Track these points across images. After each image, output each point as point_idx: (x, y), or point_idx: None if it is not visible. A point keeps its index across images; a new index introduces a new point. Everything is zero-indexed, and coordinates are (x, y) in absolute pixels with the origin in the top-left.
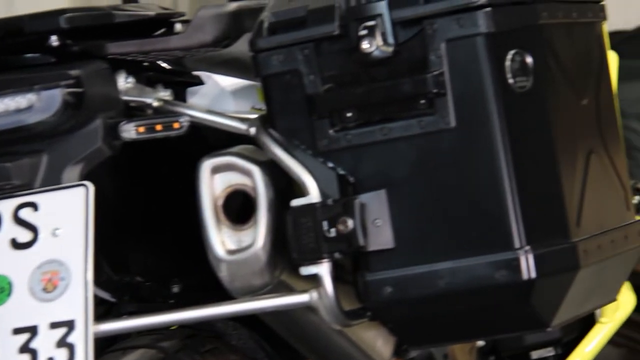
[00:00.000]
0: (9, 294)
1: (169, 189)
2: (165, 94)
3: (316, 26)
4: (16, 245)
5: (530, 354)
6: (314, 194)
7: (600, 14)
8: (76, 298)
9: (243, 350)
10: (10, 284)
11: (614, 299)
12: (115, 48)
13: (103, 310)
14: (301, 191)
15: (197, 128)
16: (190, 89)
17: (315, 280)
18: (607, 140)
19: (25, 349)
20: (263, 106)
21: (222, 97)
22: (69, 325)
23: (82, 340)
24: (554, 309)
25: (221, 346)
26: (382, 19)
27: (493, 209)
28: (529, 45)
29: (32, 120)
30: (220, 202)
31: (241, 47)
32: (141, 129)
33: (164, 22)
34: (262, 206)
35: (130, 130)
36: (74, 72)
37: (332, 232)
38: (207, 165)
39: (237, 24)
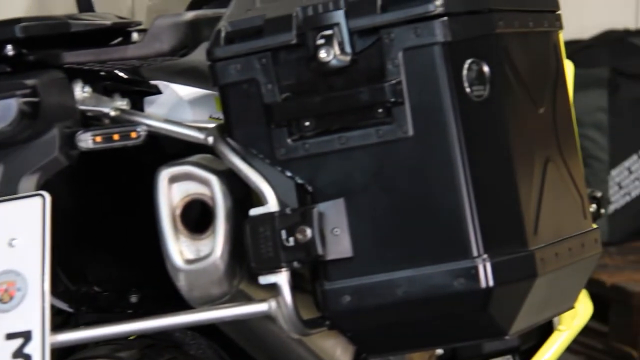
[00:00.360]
0: None
1: (127, 198)
2: (123, 104)
3: (273, 35)
4: None
5: None
6: (272, 203)
7: (556, 23)
8: (33, 308)
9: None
10: None
11: (571, 307)
12: (71, 57)
13: (61, 321)
14: (259, 200)
15: (155, 137)
16: (148, 99)
17: (274, 289)
18: (564, 148)
19: None
20: (221, 115)
21: (179, 106)
22: (26, 336)
23: (39, 351)
24: (512, 317)
25: (180, 356)
26: (339, 28)
27: (451, 217)
28: (485, 54)
29: None
30: (178, 211)
31: (199, 56)
32: (98, 139)
33: (120, 31)
34: (220, 215)
35: (87, 140)
36: (29, 82)
37: (291, 241)
38: (164, 174)
39: (194, 33)
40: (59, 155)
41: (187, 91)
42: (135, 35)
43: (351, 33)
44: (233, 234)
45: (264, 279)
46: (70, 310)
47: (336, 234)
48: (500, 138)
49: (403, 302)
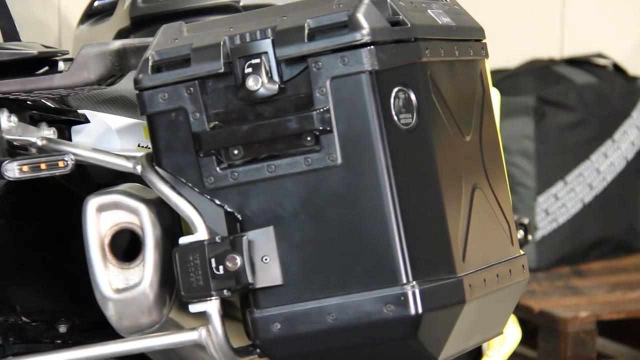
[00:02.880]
0: None
1: (56, 228)
2: (50, 133)
3: (201, 64)
4: None
5: None
6: (201, 232)
7: (482, 52)
8: None
9: None
10: None
11: (500, 333)
12: None
13: None
14: (189, 229)
15: (83, 167)
16: (75, 128)
17: (204, 317)
18: (491, 175)
19: None
20: (149, 144)
21: (107, 135)
22: None
23: None
24: (441, 343)
25: None
26: (267, 57)
27: (379, 244)
28: (412, 83)
29: None
30: (107, 240)
31: (126, 85)
32: (25, 168)
33: (47, 60)
34: (149, 244)
35: (13, 170)
36: None
37: (220, 270)
38: (92, 203)
39: (121, 61)
40: None
41: (115, 120)
42: (61, 64)
43: (279, 62)
44: (162, 262)
45: (193, 308)
46: None
47: (266, 262)
48: (427, 166)
49: (333, 329)
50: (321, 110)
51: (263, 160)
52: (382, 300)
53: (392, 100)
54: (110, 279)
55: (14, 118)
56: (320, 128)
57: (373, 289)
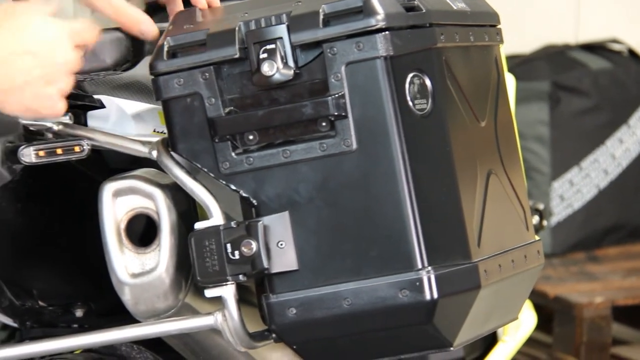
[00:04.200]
0: None
1: (72, 212)
2: (65, 118)
3: (216, 49)
4: None
5: None
6: (217, 217)
7: (497, 37)
8: None
9: None
10: None
11: (515, 318)
12: None
13: (6, 336)
14: (204, 214)
15: (99, 152)
16: (91, 113)
17: (219, 302)
18: (506, 161)
19: None
20: (165, 129)
21: (123, 120)
22: None
23: None
24: (456, 329)
25: None
26: (282, 42)
27: (394, 230)
28: (427, 68)
29: None
30: (123, 225)
31: (142, 70)
32: (41, 153)
33: None
34: (165, 229)
35: (30, 155)
36: None
37: (236, 255)
38: (108, 188)
39: (137, 47)
40: (2, 169)
41: (130, 105)
42: None
43: (294, 47)
44: (178, 247)
45: (209, 293)
46: (15, 325)
47: (281, 247)
48: (442, 151)
49: (348, 314)
50: (336, 95)
51: (278, 146)
52: (397, 285)
53: (407, 85)
54: (126, 264)
55: None
56: (335, 113)
57: (388, 274)
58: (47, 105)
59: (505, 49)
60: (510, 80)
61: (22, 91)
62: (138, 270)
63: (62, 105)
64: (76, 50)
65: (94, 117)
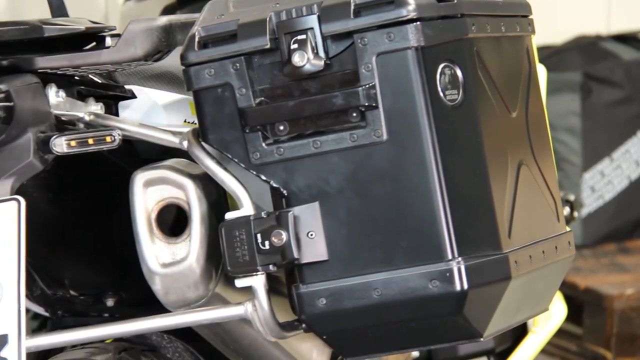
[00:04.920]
0: None
1: (103, 202)
2: (97, 108)
3: (247, 40)
4: None
5: None
6: (247, 207)
7: (529, 27)
8: (9, 312)
9: None
10: None
11: (546, 309)
12: (45, 62)
13: (37, 325)
14: (235, 204)
15: (130, 142)
16: (122, 103)
17: (250, 292)
18: (537, 152)
19: None
20: (195, 119)
21: (154, 110)
22: (2, 339)
23: (15, 355)
24: (487, 320)
25: (156, 359)
26: (312, 33)
27: (425, 220)
28: (458, 59)
29: None
30: (154, 215)
31: (172, 60)
32: (73, 143)
33: (94, 35)
34: (196, 219)
35: (61, 145)
36: (3, 87)
37: (266, 245)
38: (139, 178)
39: (168, 37)
40: (34, 159)
41: (161, 96)
42: (109, 40)
43: (324, 38)
44: (208, 237)
45: (239, 283)
46: (47, 314)
47: (311, 238)
48: (473, 142)
49: (378, 305)
50: (367, 86)
51: (309, 136)
52: (427, 276)
53: (438, 76)
54: (157, 254)
55: (62, 93)
56: (366, 104)
57: (418, 264)
58: None
59: (537, 40)
60: (541, 71)
61: None
62: (169, 260)
63: None
64: None
65: (125, 108)
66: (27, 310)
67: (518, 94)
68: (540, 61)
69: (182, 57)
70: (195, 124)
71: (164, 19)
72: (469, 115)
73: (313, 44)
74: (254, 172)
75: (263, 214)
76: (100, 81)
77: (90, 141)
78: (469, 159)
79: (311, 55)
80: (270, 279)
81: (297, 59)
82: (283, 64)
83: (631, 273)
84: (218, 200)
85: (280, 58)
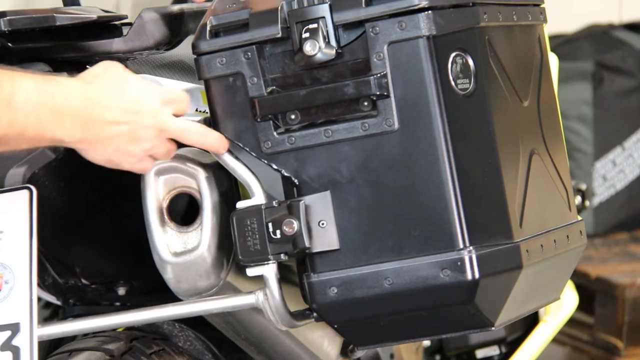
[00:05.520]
0: None
1: (115, 191)
2: None
3: (259, 29)
4: None
5: (476, 353)
6: (258, 196)
7: (541, 16)
8: (21, 301)
9: (190, 352)
10: None
11: (557, 298)
12: (57, 51)
13: (49, 313)
14: (246, 193)
15: None
16: None
17: (261, 281)
18: (548, 141)
19: None
20: (207, 108)
21: None
22: (14, 328)
23: (27, 343)
24: (498, 309)
25: (168, 348)
26: (324, 22)
27: (436, 209)
28: (470, 48)
29: None
30: (165, 204)
31: (184, 49)
32: None
33: (106, 24)
34: (207, 208)
35: None
36: None
37: (277, 234)
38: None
39: (179, 26)
40: (46, 149)
41: (173, 84)
42: (120, 29)
43: (336, 26)
44: (220, 226)
45: (251, 271)
46: (58, 302)
47: (323, 227)
48: (485, 131)
49: (390, 294)
50: (378, 75)
51: (320, 125)
52: (438, 265)
53: (449, 65)
54: (168, 243)
55: None
56: (378, 93)
57: (430, 253)
58: (129, 161)
59: (549, 29)
60: (553, 60)
61: (106, 143)
62: (180, 249)
63: (147, 164)
64: (168, 116)
65: None
66: (39, 299)
67: (530, 82)
68: (552, 50)
69: (194, 46)
70: (207, 113)
71: (176, 8)
72: (480, 104)
73: (324, 33)
74: (265, 161)
75: (274, 203)
76: None
77: None
78: (480, 148)
79: (323, 44)
80: (282, 268)
81: (308, 48)
82: (294, 53)
83: None
84: (229, 189)
85: (291, 47)
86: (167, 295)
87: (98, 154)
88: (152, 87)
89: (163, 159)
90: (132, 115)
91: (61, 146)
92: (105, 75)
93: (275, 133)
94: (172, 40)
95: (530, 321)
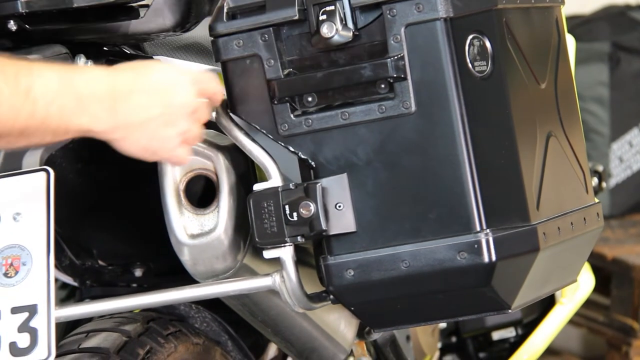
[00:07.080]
0: None
1: (132, 173)
2: None
3: (276, 11)
4: None
5: (492, 335)
6: (275, 178)
7: None
8: (38, 282)
9: (206, 333)
10: None
11: (574, 281)
12: (74, 33)
13: (65, 295)
14: (263, 175)
15: None
16: None
17: (278, 263)
18: (566, 123)
19: None
20: (224, 91)
21: None
22: (31, 309)
23: (45, 325)
24: (515, 291)
25: (184, 329)
26: (341, 4)
27: (453, 192)
28: (487, 30)
29: None
30: (182, 186)
31: (201, 31)
32: None
33: (123, 6)
34: (224, 190)
35: None
36: (32, 57)
37: (294, 216)
38: None
39: (196, 8)
40: None
41: (189, 67)
42: (138, 11)
43: (353, 9)
44: (237, 208)
45: (267, 254)
46: (75, 284)
47: (339, 209)
48: (502, 113)
49: (406, 276)
50: (395, 57)
51: (337, 108)
52: (455, 247)
53: (466, 47)
54: (185, 225)
55: (90, 64)
56: (395, 75)
57: (446, 236)
58: (166, 147)
59: (566, 10)
60: (570, 42)
61: (140, 129)
62: (197, 231)
63: (183, 152)
64: (198, 98)
65: None
66: (56, 280)
67: (547, 64)
68: (569, 31)
69: (211, 28)
70: (224, 94)
71: None
72: (497, 86)
73: (342, 15)
74: (282, 144)
75: (291, 186)
76: (128, 52)
77: None
78: (497, 131)
79: (340, 27)
80: (298, 250)
81: (325, 30)
82: (312, 35)
83: None
84: (246, 171)
85: (308, 29)
86: (183, 277)
87: (132, 144)
88: (178, 69)
89: (195, 143)
90: (163, 96)
91: (93, 138)
92: (129, 64)
93: (292, 115)
94: (189, 22)
95: (547, 303)
